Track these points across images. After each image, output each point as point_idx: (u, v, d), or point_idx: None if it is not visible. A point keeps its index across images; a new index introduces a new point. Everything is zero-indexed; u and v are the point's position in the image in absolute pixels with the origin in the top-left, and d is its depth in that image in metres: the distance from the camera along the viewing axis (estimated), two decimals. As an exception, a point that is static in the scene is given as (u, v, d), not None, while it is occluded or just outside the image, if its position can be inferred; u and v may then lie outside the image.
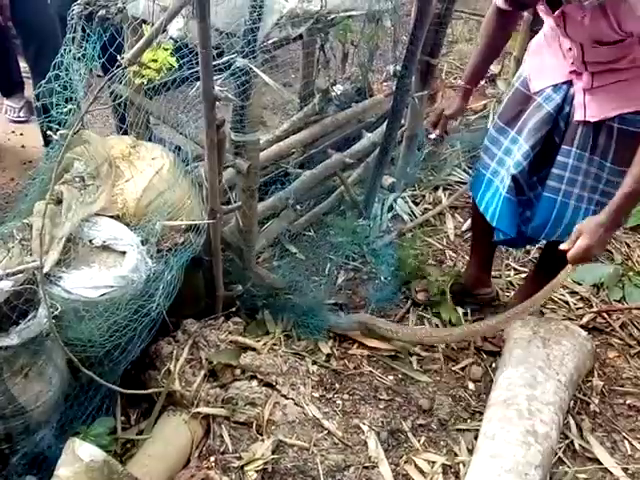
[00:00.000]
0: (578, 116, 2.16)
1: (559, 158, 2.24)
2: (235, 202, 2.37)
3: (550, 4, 1.97)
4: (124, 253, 2.04)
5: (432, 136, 2.59)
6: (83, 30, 1.89)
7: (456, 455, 2.23)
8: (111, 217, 2.15)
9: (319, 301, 2.71)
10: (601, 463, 2.22)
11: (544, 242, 2.60)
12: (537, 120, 2.28)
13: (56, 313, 1.81)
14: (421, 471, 2.17)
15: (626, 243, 3.29)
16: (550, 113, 2.24)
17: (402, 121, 3.20)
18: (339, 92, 3.18)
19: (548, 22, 2.13)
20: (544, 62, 2.27)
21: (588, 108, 2.14)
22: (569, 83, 2.18)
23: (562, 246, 2.09)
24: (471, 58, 2.50)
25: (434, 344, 2.63)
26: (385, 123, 3.03)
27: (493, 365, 2.56)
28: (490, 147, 2.46)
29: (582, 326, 2.69)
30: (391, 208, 3.40)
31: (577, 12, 1.89)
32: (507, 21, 2.32)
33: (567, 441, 2.28)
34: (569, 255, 2.07)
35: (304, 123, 3.03)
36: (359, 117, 3.34)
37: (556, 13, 1.96)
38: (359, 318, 2.66)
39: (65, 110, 1.78)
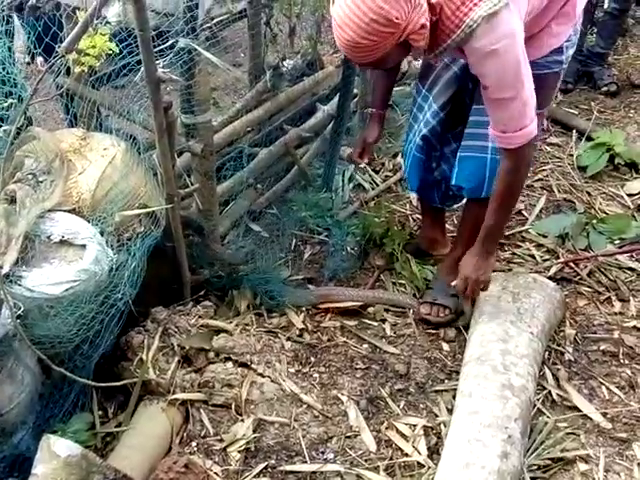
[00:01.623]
0: None
1: (471, 118, 2.30)
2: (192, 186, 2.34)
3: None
4: (84, 246, 2.00)
5: (362, 165, 2.70)
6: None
7: (436, 416, 2.25)
8: (67, 211, 2.11)
9: (282, 276, 2.73)
10: (580, 410, 2.25)
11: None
12: (445, 81, 2.36)
13: (20, 313, 1.78)
14: (403, 435, 2.18)
15: (587, 192, 3.32)
16: (456, 73, 2.31)
17: (355, 91, 3.18)
18: (290, 67, 3.15)
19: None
20: None
21: None
22: None
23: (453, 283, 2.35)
24: (376, 86, 2.60)
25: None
26: (338, 95, 3.02)
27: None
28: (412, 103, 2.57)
29: (550, 277, 2.72)
30: (352, 178, 3.39)
31: (433, 60, 2.01)
32: None
33: (545, 392, 2.30)
34: (459, 291, 2.35)
35: (257, 101, 2.99)
36: (312, 90, 3.31)
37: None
38: (319, 291, 2.69)
39: (5, 105, 1.73)
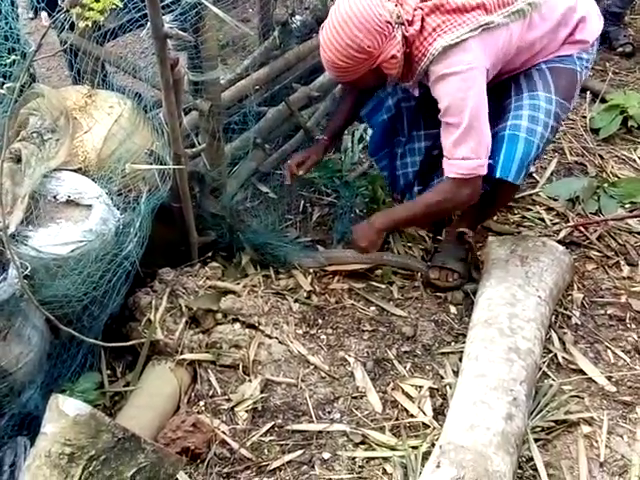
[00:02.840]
0: None
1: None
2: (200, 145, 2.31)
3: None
4: (90, 206, 1.99)
5: (286, 182, 2.66)
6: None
7: (442, 378, 2.25)
8: (73, 171, 2.10)
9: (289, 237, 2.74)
10: (585, 373, 2.25)
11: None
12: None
13: (27, 273, 1.78)
14: (409, 396, 2.19)
15: (599, 155, 3.28)
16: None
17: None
18: (299, 23, 3.08)
19: None
20: None
21: None
22: None
23: None
24: (337, 114, 2.75)
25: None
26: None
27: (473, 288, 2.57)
28: None
29: (559, 241, 2.69)
30: (362, 139, 3.35)
31: (409, 87, 2.30)
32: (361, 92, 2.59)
33: (551, 355, 2.30)
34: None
35: (266, 58, 2.94)
36: (322, 48, 3.25)
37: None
38: (327, 253, 2.69)
39: (8, 61, 1.70)
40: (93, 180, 2.07)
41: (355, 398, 2.19)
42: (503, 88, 2.31)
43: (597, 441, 2.04)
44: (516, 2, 2.08)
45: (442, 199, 2.25)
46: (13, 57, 1.71)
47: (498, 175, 2.18)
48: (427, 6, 2.05)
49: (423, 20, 2.05)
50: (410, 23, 2.06)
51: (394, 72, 2.11)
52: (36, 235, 1.88)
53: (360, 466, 1.99)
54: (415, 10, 2.06)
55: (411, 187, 2.71)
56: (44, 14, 3.98)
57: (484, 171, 2.16)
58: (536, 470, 1.95)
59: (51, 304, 1.88)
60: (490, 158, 2.18)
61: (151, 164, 2.12)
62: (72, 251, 1.89)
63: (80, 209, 1.99)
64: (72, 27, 2.17)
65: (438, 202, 2.27)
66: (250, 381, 2.19)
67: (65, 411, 1.61)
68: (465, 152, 2.11)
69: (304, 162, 2.62)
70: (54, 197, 2.00)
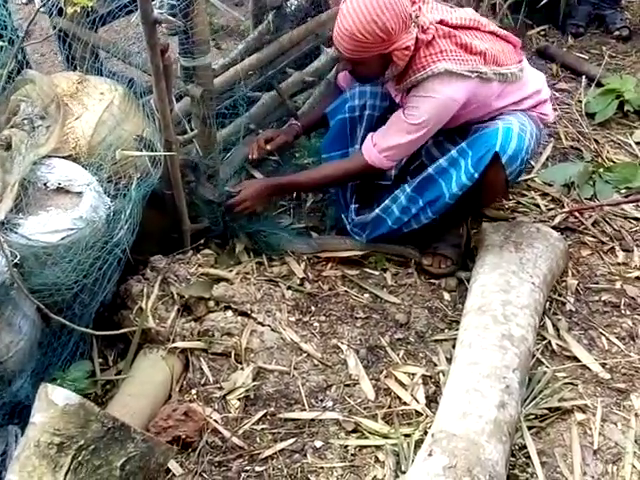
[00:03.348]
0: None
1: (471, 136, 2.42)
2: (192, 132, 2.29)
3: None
4: (80, 194, 1.98)
5: (251, 156, 2.66)
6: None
7: (435, 365, 2.25)
8: (64, 158, 2.08)
9: (283, 224, 2.72)
10: (579, 360, 2.24)
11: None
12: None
13: (16, 261, 1.77)
14: (402, 384, 2.19)
15: (595, 140, 3.25)
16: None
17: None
18: (293, 7, 3.05)
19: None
20: None
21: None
22: None
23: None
24: (315, 112, 2.84)
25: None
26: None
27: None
28: None
29: (554, 227, 2.68)
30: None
31: (393, 91, 2.42)
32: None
33: (545, 342, 2.29)
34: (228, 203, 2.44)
35: (260, 43, 2.91)
36: (316, 32, 3.21)
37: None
38: (321, 240, 2.68)
39: (-3, 48, 1.68)
40: (84, 167, 2.06)
41: (348, 386, 2.18)
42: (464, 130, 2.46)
43: (591, 428, 2.03)
44: (505, 67, 2.29)
45: (343, 174, 2.47)
46: (0, 43, 1.68)
47: (497, 149, 2.23)
48: (442, 29, 2.21)
49: (434, 38, 2.20)
50: (423, 31, 2.19)
51: (401, 64, 2.20)
52: (26, 223, 1.87)
53: (352, 454, 1.99)
54: (430, 24, 2.20)
55: (347, 204, 2.65)
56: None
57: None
58: (529, 458, 1.95)
59: (41, 292, 1.87)
60: (485, 142, 2.27)
61: (141, 150, 2.10)
62: (62, 239, 1.88)
63: (70, 196, 1.98)
64: (61, 13, 2.15)
65: (338, 177, 2.48)
66: (242, 369, 2.18)
67: (54, 401, 1.61)
68: (389, 152, 2.33)
69: (273, 139, 2.63)
70: (44, 184, 1.98)
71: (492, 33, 2.33)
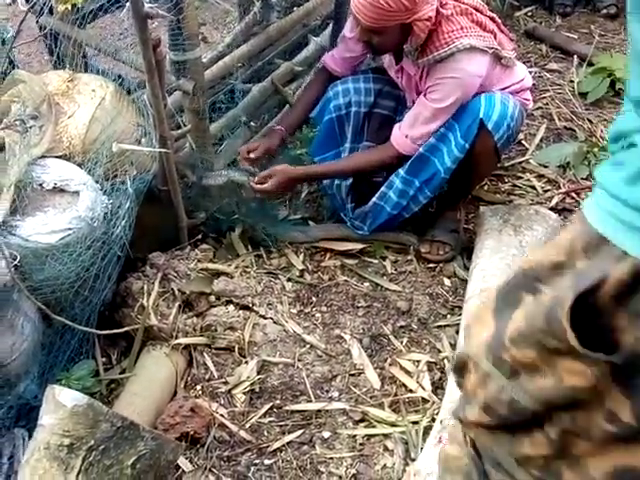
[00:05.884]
0: None
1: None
2: (185, 126, 2.27)
3: (395, 55, 2.39)
4: (77, 193, 1.96)
5: (241, 166, 2.57)
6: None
7: (439, 351, 2.25)
8: (58, 157, 2.06)
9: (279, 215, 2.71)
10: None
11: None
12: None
13: (16, 263, 1.76)
14: (407, 371, 2.18)
15: (588, 119, 3.25)
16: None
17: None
18: (279, -3, 3.02)
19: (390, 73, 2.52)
20: None
21: None
22: None
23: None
24: (296, 104, 2.75)
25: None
26: (331, 25, 2.91)
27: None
28: None
29: (552, 208, 2.68)
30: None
31: (411, 68, 2.33)
32: (330, 81, 2.61)
33: (545, 324, 2.30)
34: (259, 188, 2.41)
35: (247, 35, 2.89)
36: (304, 21, 3.19)
37: (396, 67, 2.41)
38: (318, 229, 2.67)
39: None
40: (79, 165, 2.04)
41: (353, 375, 2.18)
42: None
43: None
44: (505, 50, 2.31)
45: (377, 165, 2.49)
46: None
47: (482, 116, 2.25)
48: (459, 6, 2.23)
49: (452, 15, 2.20)
50: (442, 6, 2.19)
51: (422, 36, 2.17)
52: (24, 224, 1.85)
53: (361, 444, 1.99)
54: (448, 1, 2.23)
55: (344, 203, 2.64)
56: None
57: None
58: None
59: (42, 293, 1.86)
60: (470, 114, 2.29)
61: (141, 140, 2.09)
62: (61, 239, 1.86)
63: (67, 196, 1.96)
64: (51, 11, 2.12)
65: (371, 168, 2.51)
66: (246, 363, 2.18)
67: (62, 402, 1.60)
68: (422, 139, 2.34)
69: (257, 148, 2.56)
70: (40, 185, 1.96)
71: (491, 19, 2.35)
